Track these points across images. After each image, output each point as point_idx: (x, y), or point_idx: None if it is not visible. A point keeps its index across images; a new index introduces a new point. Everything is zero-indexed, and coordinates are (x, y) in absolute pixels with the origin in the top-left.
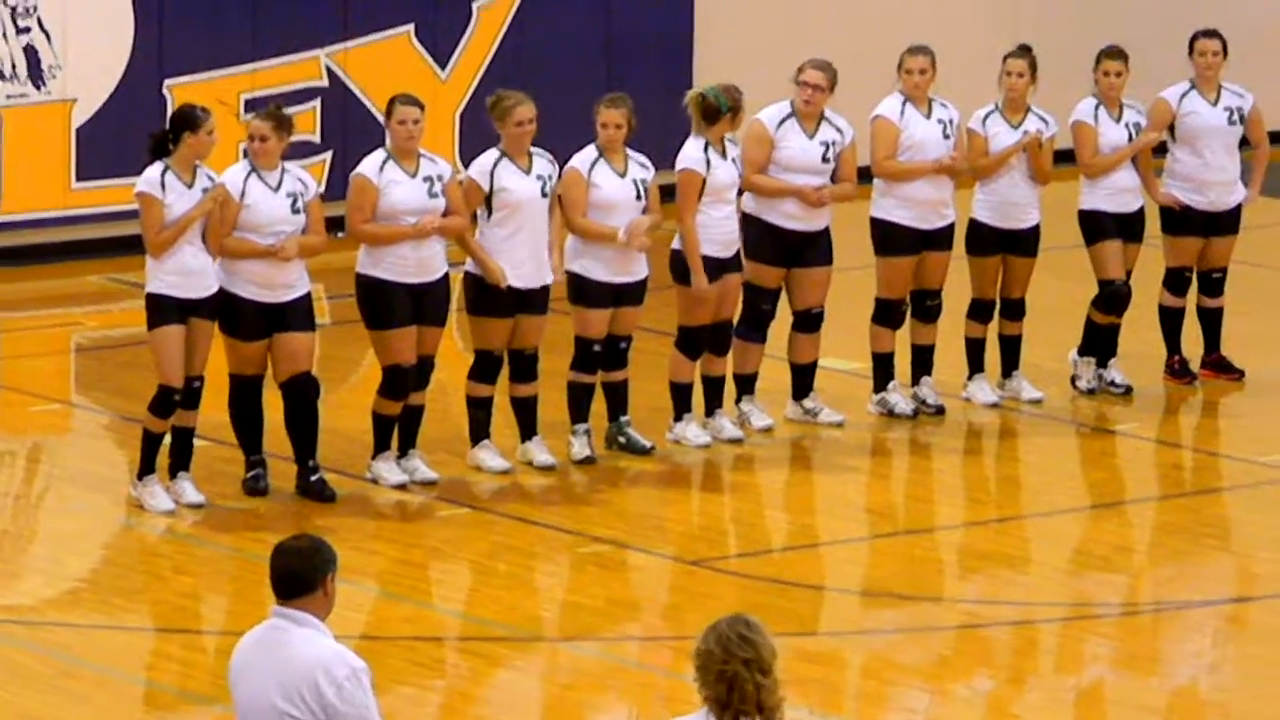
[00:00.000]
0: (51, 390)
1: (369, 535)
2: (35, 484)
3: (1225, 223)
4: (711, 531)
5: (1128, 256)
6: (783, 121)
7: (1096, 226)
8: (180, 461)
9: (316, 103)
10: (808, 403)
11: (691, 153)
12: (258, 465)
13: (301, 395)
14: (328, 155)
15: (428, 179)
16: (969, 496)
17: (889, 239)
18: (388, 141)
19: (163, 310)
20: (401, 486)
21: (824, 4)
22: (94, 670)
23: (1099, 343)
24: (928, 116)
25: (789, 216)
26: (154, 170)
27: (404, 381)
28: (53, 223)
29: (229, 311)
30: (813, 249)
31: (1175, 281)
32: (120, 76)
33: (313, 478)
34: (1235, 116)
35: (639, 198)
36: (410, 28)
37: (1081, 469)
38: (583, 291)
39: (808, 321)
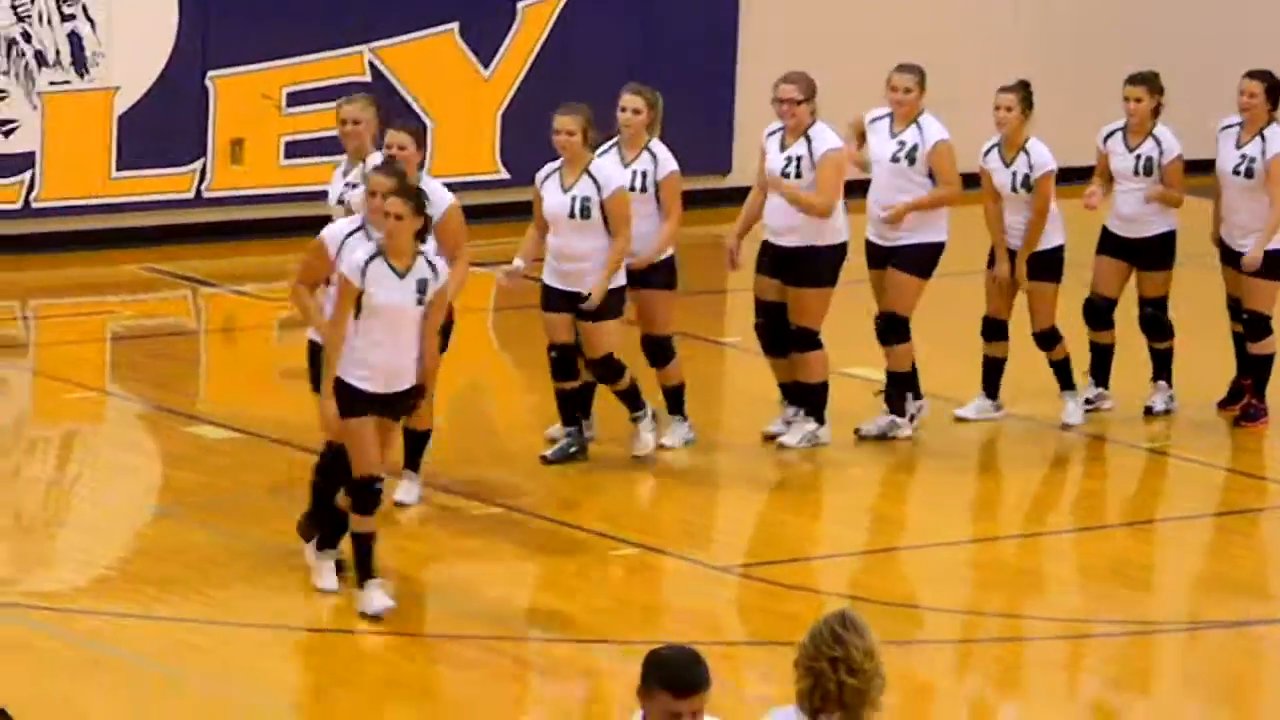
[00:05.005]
0: (86, 378)
1: (401, 534)
2: (68, 471)
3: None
4: (743, 538)
5: (1141, 283)
6: (772, 134)
7: (1099, 241)
8: (366, 571)
9: None
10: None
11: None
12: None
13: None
14: None
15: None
16: (1005, 510)
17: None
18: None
19: (350, 400)
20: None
21: (871, 4)
22: (124, 659)
23: (1096, 359)
24: (892, 136)
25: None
26: (345, 225)
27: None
28: (92, 210)
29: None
30: (795, 267)
31: (1231, 308)
32: (163, 66)
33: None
34: (1246, 165)
35: (572, 215)
36: (454, 26)
37: (1125, 487)
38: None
39: (796, 341)
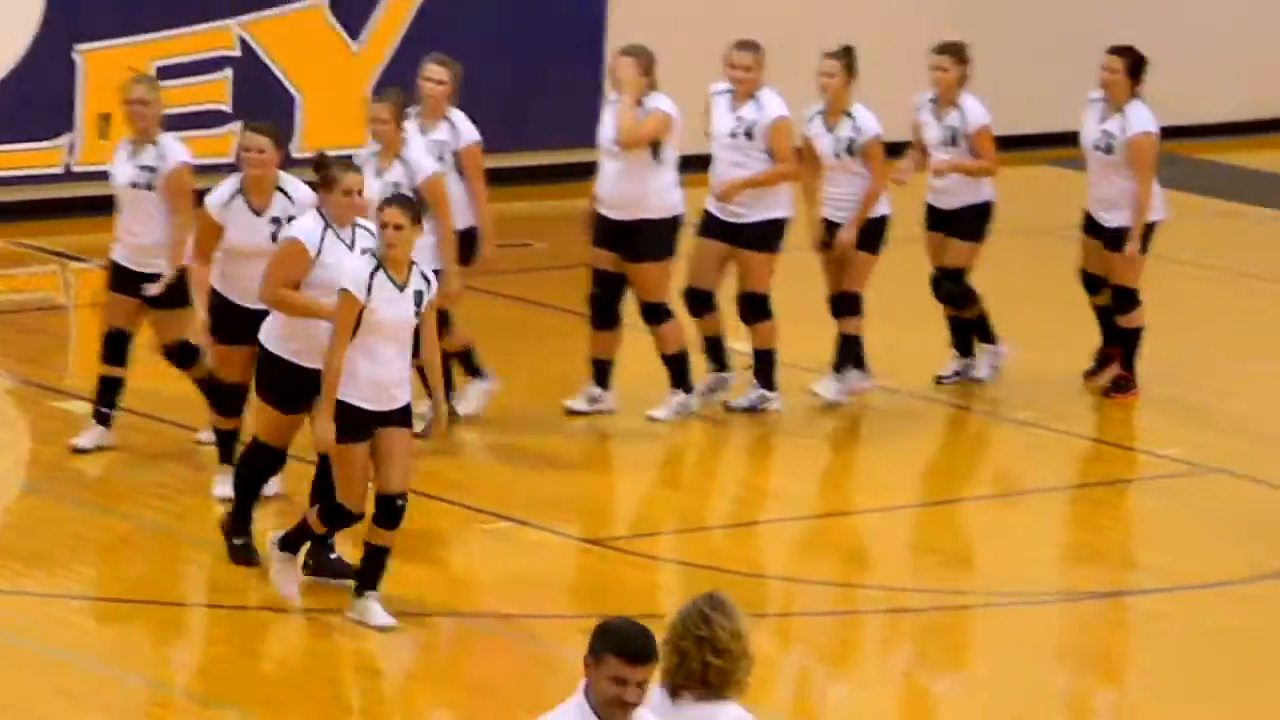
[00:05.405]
0: None
1: (270, 510)
2: None
3: (1107, 237)
4: (609, 511)
5: (954, 251)
6: (611, 104)
7: (925, 216)
8: (369, 580)
9: (228, 72)
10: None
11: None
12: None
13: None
14: (237, 125)
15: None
16: (871, 481)
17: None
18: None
19: (350, 423)
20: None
21: None
22: None
23: (955, 332)
24: (731, 111)
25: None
26: (312, 223)
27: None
28: None
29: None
30: (629, 241)
31: (1086, 279)
32: (31, 40)
33: (333, 556)
34: (1106, 141)
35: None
36: (324, 0)
37: (992, 458)
38: None
39: (646, 315)
